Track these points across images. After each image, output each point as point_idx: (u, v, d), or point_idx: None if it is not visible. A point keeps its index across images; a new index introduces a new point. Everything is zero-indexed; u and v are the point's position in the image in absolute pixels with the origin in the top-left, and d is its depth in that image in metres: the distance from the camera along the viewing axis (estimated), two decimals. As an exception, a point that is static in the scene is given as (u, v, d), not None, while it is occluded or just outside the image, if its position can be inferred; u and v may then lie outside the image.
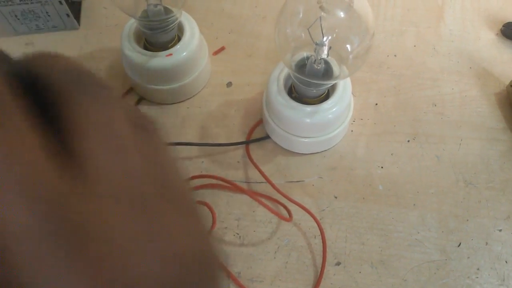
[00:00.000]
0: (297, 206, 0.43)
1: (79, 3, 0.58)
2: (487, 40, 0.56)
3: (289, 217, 0.41)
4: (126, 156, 0.14)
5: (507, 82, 0.52)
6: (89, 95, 0.14)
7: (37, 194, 0.11)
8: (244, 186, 0.45)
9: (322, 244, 0.41)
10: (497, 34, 0.56)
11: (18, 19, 0.53)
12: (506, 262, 0.41)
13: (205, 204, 0.42)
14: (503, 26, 0.56)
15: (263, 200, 0.44)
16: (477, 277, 0.41)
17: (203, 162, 0.47)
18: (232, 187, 0.43)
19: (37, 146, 0.12)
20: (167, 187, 0.15)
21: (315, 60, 0.40)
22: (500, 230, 0.43)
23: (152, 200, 0.14)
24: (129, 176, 0.14)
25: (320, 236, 0.42)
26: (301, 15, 0.38)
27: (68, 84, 0.14)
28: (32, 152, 0.12)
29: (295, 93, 0.44)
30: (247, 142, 0.47)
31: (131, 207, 0.13)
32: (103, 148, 0.13)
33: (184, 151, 0.47)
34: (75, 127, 0.13)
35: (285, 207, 0.43)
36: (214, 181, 0.45)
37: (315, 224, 0.42)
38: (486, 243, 0.42)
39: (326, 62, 0.41)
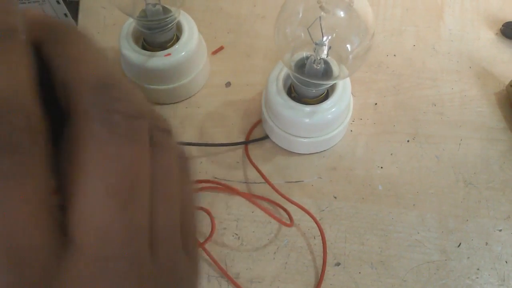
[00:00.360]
0: (296, 207, 0.42)
1: (77, 3, 0.58)
2: (486, 39, 0.56)
3: (290, 222, 0.41)
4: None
5: (507, 82, 0.51)
6: (109, 132, 0.13)
7: (22, 266, 0.11)
8: (243, 186, 0.45)
9: (322, 244, 0.41)
10: (496, 33, 0.56)
11: (16, 18, 0.53)
12: (506, 262, 0.41)
13: (204, 209, 0.42)
14: (502, 25, 0.56)
15: (262, 202, 0.44)
16: (477, 278, 0.41)
17: (201, 162, 0.46)
18: (230, 190, 0.43)
19: (37, 202, 0.11)
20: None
21: (314, 60, 0.40)
22: (500, 230, 0.43)
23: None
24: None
25: (320, 236, 0.42)
26: (300, 15, 0.38)
27: (90, 105, 0.13)
28: (31, 212, 0.11)
29: (294, 93, 0.44)
30: (246, 142, 0.47)
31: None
32: (100, 208, 0.12)
33: (183, 151, 0.47)
34: (80, 174, 0.12)
35: (286, 211, 0.42)
36: (213, 184, 0.44)
37: (315, 225, 0.42)
38: (486, 243, 0.42)
39: (326, 62, 0.41)
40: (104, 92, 0.13)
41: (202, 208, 0.41)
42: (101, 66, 0.14)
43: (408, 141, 0.48)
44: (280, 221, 0.40)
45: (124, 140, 0.13)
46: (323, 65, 0.40)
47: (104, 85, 0.13)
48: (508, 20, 0.56)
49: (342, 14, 0.36)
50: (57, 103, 0.14)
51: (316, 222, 0.42)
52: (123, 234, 0.13)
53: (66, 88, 0.13)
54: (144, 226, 0.13)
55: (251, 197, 0.44)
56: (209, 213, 0.41)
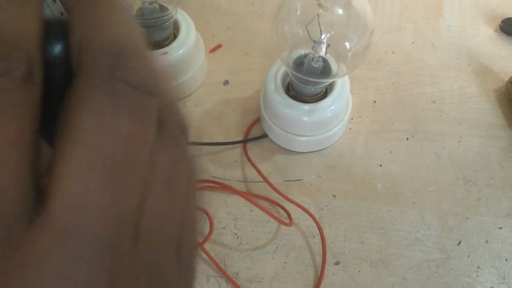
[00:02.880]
0: (295, 206, 0.42)
1: (73, 1, 0.57)
2: (485, 36, 0.56)
3: (289, 221, 0.41)
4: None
5: (506, 78, 0.51)
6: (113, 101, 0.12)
7: None
8: (242, 185, 0.45)
9: (321, 244, 0.41)
10: (495, 30, 0.56)
11: (11, 17, 0.53)
12: (506, 260, 0.41)
13: (202, 209, 0.41)
14: (501, 22, 0.56)
15: (261, 201, 0.43)
16: (477, 276, 0.40)
17: (200, 161, 0.46)
18: (229, 189, 0.43)
19: (14, 164, 0.11)
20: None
21: (313, 58, 0.39)
22: (500, 228, 0.43)
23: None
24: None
25: (319, 235, 0.41)
26: (299, 12, 0.38)
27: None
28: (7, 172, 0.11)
29: (292, 91, 0.43)
30: (244, 141, 0.47)
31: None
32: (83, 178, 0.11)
33: (181, 150, 0.46)
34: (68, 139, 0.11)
35: (285, 210, 0.42)
36: (211, 183, 0.44)
37: (314, 224, 0.42)
38: (486, 241, 0.42)
39: (324, 60, 0.40)
40: (115, 58, 0.12)
41: (199, 208, 0.41)
42: (121, 31, 0.13)
43: (407, 138, 0.48)
44: (279, 220, 0.40)
45: (125, 113, 0.12)
46: (321, 63, 0.40)
47: (118, 51, 0.12)
48: (507, 17, 0.56)
49: (340, 11, 0.36)
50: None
51: (315, 221, 0.41)
52: (102, 213, 0.11)
53: (79, 49, 0.12)
54: (130, 212, 0.12)
55: (250, 196, 0.43)
56: (207, 213, 0.41)
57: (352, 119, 0.49)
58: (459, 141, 0.48)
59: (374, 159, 0.46)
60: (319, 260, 0.41)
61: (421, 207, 0.44)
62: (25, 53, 0.11)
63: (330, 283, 0.40)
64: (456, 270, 0.41)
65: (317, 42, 0.38)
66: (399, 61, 0.53)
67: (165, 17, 0.44)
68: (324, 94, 0.43)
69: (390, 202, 0.44)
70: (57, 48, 0.13)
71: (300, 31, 0.38)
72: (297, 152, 0.47)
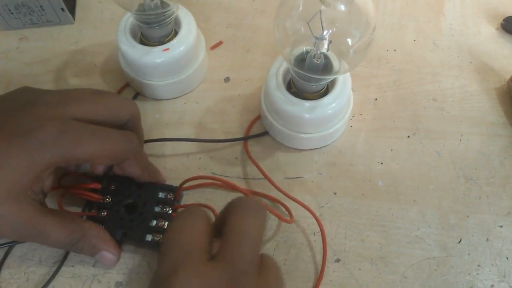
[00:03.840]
0: (296, 203, 0.42)
1: (74, -3, 0.57)
2: (487, 34, 0.55)
3: (290, 218, 0.41)
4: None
5: (508, 77, 0.51)
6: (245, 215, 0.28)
7: (188, 247, 0.26)
8: (242, 182, 0.45)
9: (322, 241, 0.41)
10: (497, 28, 0.56)
11: (12, 13, 0.53)
12: (507, 258, 0.41)
13: (209, 207, 0.41)
14: (503, 20, 0.56)
15: (262, 199, 0.43)
16: (478, 274, 0.40)
17: (200, 158, 0.46)
18: (229, 186, 0.43)
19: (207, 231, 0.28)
20: None
21: (314, 54, 0.39)
22: (501, 226, 0.43)
23: None
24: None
25: (320, 233, 0.41)
26: (300, 8, 0.38)
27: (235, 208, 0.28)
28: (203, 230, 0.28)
29: (294, 88, 0.43)
30: (245, 138, 0.47)
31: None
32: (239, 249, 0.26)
33: (181, 147, 0.46)
34: (228, 229, 0.27)
35: (285, 207, 0.42)
36: (211, 180, 0.44)
37: (314, 221, 0.42)
38: (487, 239, 0.42)
39: (326, 57, 0.40)
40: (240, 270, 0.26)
41: (206, 206, 0.41)
42: (253, 248, 0.27)
43: (408, 136, 0.48)
44: (280, 217, 0.40)
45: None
46: (323, 60, 0.40)
47: (240, 270, 0.25)
48: (509, 15, 0.56)
49: (342, 7, 0.36)
50: None
51: (316, 218, 0.41)
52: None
53: (222, 239, 0.27)
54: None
55: (250, 194, 0.43)
56: (213, 210, 0.41)
57: (353, 116, 0.49)
58: (460, 139, 0.48)
59: (375, 157, 0.46)
60: (319, 257, 0.41)
61: (421, 205, 0.44)
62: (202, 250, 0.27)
63: (330, 281, 0.40)
64: (456, 268, 0.41)
65: (319, 39, 0.37)
66: (401, 59, 0.53)
67: (166, 13, 0.44)
68: (326, 91, 0.43)
69: (390, 200, 0.44)
70: None
71: (302, 28, 0.37)
72: (298, 149, 0.47)
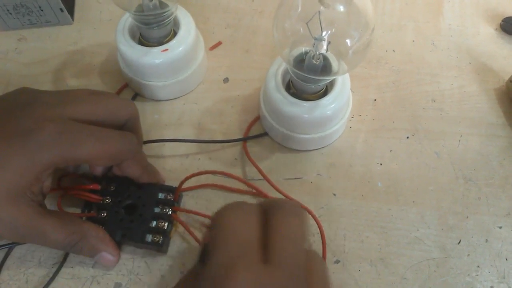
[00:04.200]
0: (295, 204, 0.42)
1: (73, -2, 0.57)
2: (486, 35, 0.55)
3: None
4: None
5: (507, 77, 0.51)
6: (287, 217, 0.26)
7: (246, 244, 0.25)
8: (242, 183, 0.45)
9: (321, 242, 0.41)
10: (496, 29, 0.56)
11: (10, 13, 0.52)
12: (506, 259, 0.41)
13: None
14: (502, 20, 0.56)
15: (261, 199, 0.43)
16: (477, 275, 0.40)
17: (199, 159, 0.46)
18: (230, 186, 0.43)
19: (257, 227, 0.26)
20: None
21: (313, 55, 0.39)
22: (500, 227, 0.43)
23: None
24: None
25: (319, 234, 0.41)
26: (299, 9, 0.38)
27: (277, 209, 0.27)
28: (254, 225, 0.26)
29: (293, 89, 0.43)
30: (244, 139, 0.47)
31: None
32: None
33: (180, 147, 0.46)
34: (273, 232, 0.25)
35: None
36: (210, 181, 0.44)
37: (313, 222, 0.42)
38: (486, 240, 0.42)
39: (325, 58, 0.40)
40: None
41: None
42: (302, 251, 0.26)
43: (407, 137, 0.48)
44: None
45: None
46: (322, 61, 0.40)
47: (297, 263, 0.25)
48: (508, 15, 0.56)
49: (341, 8, 0.36)
50: None
51: (316, 219, 0.41)
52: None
53: (270, 241, 0.25)
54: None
55: (260, 190, 0.43)
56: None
57: (352, 117, 0.49)
58: (459, 140, 0.48)
59: (374, 158, 0.46)
60: (318, 258, 0.41)
61: (421, 206, 0.44)
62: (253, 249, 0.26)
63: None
64: (456, 269, 0.41)
65: (318, 40, 0.37)
66: (400, 60, 0.53)
67: (165, 14, 0.43)
68: (325, 92, 0.43)
69: (390, 201, 0.44)
70: None
71: (301, 28, 0.37)
72: (297, 150, 0.46)
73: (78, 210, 0.42)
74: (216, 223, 0.26)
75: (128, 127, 0.39)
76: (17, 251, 0.41)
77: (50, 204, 0.42)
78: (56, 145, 0.32)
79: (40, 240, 0.35)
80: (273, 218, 0.26)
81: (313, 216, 0.42)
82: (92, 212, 0.40)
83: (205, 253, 0.25)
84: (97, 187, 0.40)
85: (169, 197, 0.41)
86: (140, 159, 0.39)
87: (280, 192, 0.42)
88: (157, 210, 0.40)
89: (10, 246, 0.40)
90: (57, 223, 0.35)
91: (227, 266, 0.23)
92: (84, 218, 0.40)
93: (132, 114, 0.39)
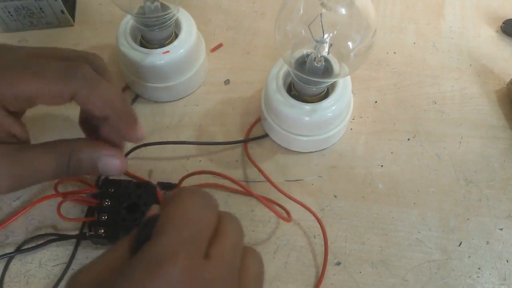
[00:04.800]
0: (297, 205, 0.42)
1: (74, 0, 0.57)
2: (487, 37, 0.56)
3: (288, 217, 0.41)
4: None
5: (508, 80, 0.51)
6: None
7: (196, 234, 0.23)
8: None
9: (323, 244, 0.41)
10: (497, 31, 0.56)
11: (11, 15, 0.52)
12: (507, 261, 0.41)
13: None
14: (503, 23, 0.56)
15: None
16: (478, 277, 0.40)
17: (200, 161, 0.46)
18: (230, 186, 0.43)
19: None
20: None
21: (315, 57, 0.39)
22: (501, 229, 0.43)
23: None
24: None
25: (321, 235, 0.41)
26: (301, 12, 0.38)
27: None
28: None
29: (294, 91, 0.43)
30: (245, 141, 0.47)
31: None
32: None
33: (181, 149, 0.46)
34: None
35: (286, 210, 0.42)
36: (211, 181, 0.44)
37: (315, 224, 0.42)
38: (487, 242, 0.42)
39: (326, 60, 0.40)
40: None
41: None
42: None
43: (408, 139, 0.48)
44: (278, 214, 0.39)
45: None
46: (323, 63, 0.40)
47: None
48: (509, 18, 0.56)
49: (343, 11, 0.36)
50: None
51: (318, 220, 0.41)
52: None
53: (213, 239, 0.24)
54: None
55: (250, 191, 0.43)
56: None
57: (353, 119, 0.49)
58: (460, 142, 0.48)
59: (375, 160, 0.46)
60: (319, 260, 0.41)
61: (422, 208, 0.44)
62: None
63: (331, 284, 0.40)
64: (457, 271, 0.41)
65: (319, 42, 0.37)
66: (400, 62, 0.53)
67: (166, 16, 0.43)
68: (326, 94, 0.43)
69: (391, 203, 0.44)
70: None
71: (303, 31, 0.37)
72: (298, 152, 0.46)
73: (77, 215, 0.42)
74: (177, 201, 0.24)
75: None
76: (20, 246, 0.41)
77: (50, 209, 0.42)
78: None
79: (32, 175, 0.31)
80: (221, 221, 0.25)
81: (316, 217, 0.42)
82: (93, 216, 0.40)
83: (147, 229, 0.23)
84: (96, 190, 0.41)
85: None
86: (98, 94, 0.31)
87: (283, 193, 0.42)
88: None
89: (11, 256, 0.40)
90: (41, 151, 0.31)
91: (171, 251, 0.21)
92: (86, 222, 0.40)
93: (83, 52, 0.33)
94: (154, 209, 0.26)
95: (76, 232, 0.41)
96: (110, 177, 0.41)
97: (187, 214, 0.23)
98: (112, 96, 0.32)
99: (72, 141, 0.32)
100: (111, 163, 0.33)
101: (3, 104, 0.29)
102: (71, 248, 0.41)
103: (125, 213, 0.40)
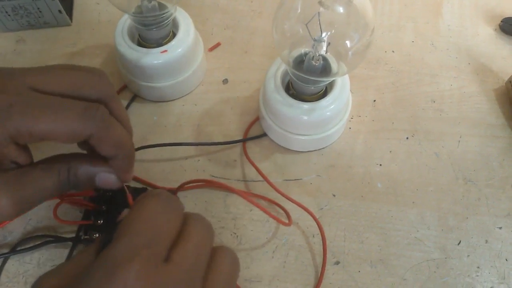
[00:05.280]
0: (295, 205, 0.42)
1: (71, -1, 0.57)
2: (485, 35, 0.55)
3: (288, 221, 0.41)
4: None
5: (506, 78, 0.51)
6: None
7: (155, 237, 0.22)
8: (241, 184, 0.45)
9: (322, 243, 0.41)
10: (495, 29, 0.56)
11: (9, 15, 0.52)
12: (506, 260, 0.41)
13: None
14: (501, 21, 0.56)
15: (260, 201, 0.43)
16: (477, 275, 0.40)
17: (199, 160, 0.46)
18: (228, 188, 0.43)
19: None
20: None
21: (313, 56, 0.39)
22: (500, 228, 0.43)
23: None
24: None
25: (319, 235, 0.41)
26: (299, 10, 0.38)
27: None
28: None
29: (292, 90, 0.43)
30: (243, 140, 0.46)
31: None
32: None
33: (179, 150, 0.46)
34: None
35: (284, 210, 0.42)
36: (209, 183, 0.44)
37: (314, 223, 0.41)
38: (486, 241, 0.42)
39: (324, 59, 0.40)
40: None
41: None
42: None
43: (407, 138, 0.48)
44: (278, 220, 0.40)
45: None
46: (321, 62, 0.40)
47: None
48: (507, 16, 0.56)
49: (341, 9, 0.36)
50: None
51: (316, 220, 0.41)
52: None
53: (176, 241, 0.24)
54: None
55: (249, 196, 0.43)
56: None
57: (351, 118, 0.48)
58: (459, 141, 0.48)
59: (373, 159, 0.46)
60: (318, 260, 0.41)
61: (421, 207, 0.44)
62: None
63: (330, 283, 0.40)
64: (456, 270, 0.41)
65: (317, 41, 0.37)
66: (399, 60, 0.53)
67: (164, 15, 0.43)
68: (324, 93, 0.43)
69: (389, 202, 0.44)
70: None
71: (301, 30, 0.37)
72: (297, 151, 0.46)
73: (74, 218, 0.41)
74: (138, 205, 0.24)
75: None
76: (15, 246, 0.40)
77: (47, 212, 0.41)
78: (4, 118, 0.28)
79: (37, 195, 0.31)
80: (186, 223, 0.25)
81: (314, 217, 0.41)
82: (90, 219, 0.40)
83: (111, 234, 0.23)
84: (93, 194, 0.40)
85: None
86: (109, 136, 0.32)
87: (281, 193, 0.42)
88: None
89: (6, 256, 0.40)
90: (41, 170, 0.31)
91: (126, 256, 0.21)
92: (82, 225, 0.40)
93: (101, 91, 0.33)
94: (124, 214, 0.26)
95: (74, 234, 0.41)
96: None
97: (145, 218, 0.23)
98: (124, 140, 0.34)
99: (69, 156, 0.33)
100: (108, 178, 0.34)
101: (16, 139, 0.30)
102: (67, 250, 0.41)
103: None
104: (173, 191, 0.42)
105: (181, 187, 0.42)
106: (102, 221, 0.39)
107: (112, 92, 0.34)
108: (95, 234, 0.39)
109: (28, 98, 0.29)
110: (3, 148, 0.30)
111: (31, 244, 0.41)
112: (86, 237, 0.39)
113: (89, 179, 0.33)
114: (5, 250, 0.40)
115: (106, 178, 0.34)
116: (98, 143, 0.32)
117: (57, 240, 0.41)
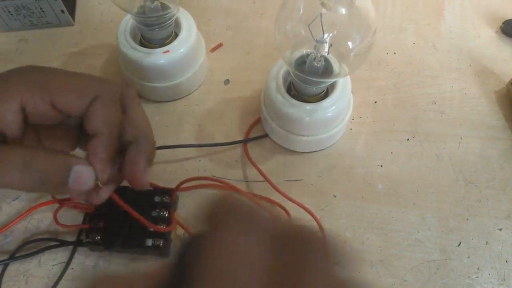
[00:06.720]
0: (296, 206, 0.42)
1: (74, -1, 0.57)
2: (486, 37, 0.56)
3: (288, 218, 0.41)
4: None
5: (507, 80, 0.51)
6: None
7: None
8: (242, 185, 0.45)
9: (322, 244, 0.41)
10: (496, 31, 0.56)
11: (12, 14, 0.52)
12: (506, 261, 0.41)
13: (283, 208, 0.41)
14: (502, 23, 0.56)
15: (262, 201, 0.43)
16: (478, 277, 0.40)
17: (200, 161, 0.46)
18: (229, 188, 0.43)
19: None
20: None
21: (315, 57, 0.39)
22: (500, 229, 0.43)
23: None
24: None
25: (320, 236, 0.41)
26: (301, 12, 0.38)
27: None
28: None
29: (294, 91, 0.43)
30: (245, 141, 0.47)
31: None
32: None
33: (181, 150, 0.46)
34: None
35: (285, 211, 0.42)
36: (212, 181, 0.44)
37: (315, 224, 0.42)
38: (486, 243, 0.42)
39: (326, 60, 0.40)
40: None
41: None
42: None
43: (408, 139, 0.48)
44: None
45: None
46: (323, 63, 0.40)
47: None
48: (508, 18, 0.56)
49: (343, 11, 0.36)
50: None
51: (317, 221, 0.41)
52: None
53: None
54: None
55: (250, 196, 0.43)
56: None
57: (353, 119, 0.49)
58: (460, 142, 0.48)
59: (374, 160, 0.46)
60: (319, 260, 0.41)
61: (421, 208, 0.44)
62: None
63: (330, 284, 0.40)
64: (456, 271, 0.41)
65: (319, 42, 0.37)
66: (400, 62, 0.53)
67: (166, 16, 0.44)
68: (326, 94, 0.43)
69: (390, 203, 0.44)
70: None
71: (303, 31, 0.38)
72: (298, 152, 0.46)
73: (77, 219, 0.42)
74: (219, 246, 0.16)
75: (96, 108, 0.29)
76: (16, 252, 0.41)
77: (47, 215, 0.42)
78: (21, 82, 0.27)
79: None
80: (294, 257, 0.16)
81: (315, 218, 0.42)
82: (90, 222, 0.40)
83: (181, 266, 0.16)
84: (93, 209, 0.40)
85: (165, 200, 0.41)
86: (142, 112, 0.31)
87: (282, 194, 0.42)
88: (155, 213, 0.40)
89: (7, 262, 0.40)
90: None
91: None
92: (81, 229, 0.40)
93: (98, 91, 0.29)
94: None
95: (75, 236, 0.41)
96: None
97: (227, 264, 0.16)
98: (149, 123, 0.31)
99: (39, 153, 0.28)
100: (82, 174, 0.28)
101: (30, 109, 0.28)
102: (68, 252, 0.41)
103: (122, 220, 0.40)
104: (173, 190, 0.42)
105: (180, 186, 0.42)
106: (103, 224, 0.39)
107: (110, 91, 0.30)
108: (97, 236, 0.39)
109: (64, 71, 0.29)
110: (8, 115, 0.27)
111: (32, 250, 0.40)
112: (88, 240, 0.39)
113: (61, 176, 0.27)
114: (6, 254, 0.40)
115: (82, 174, 0.27)
116: (131, 117, 0.29)
117: (59, 244, 0.41)
